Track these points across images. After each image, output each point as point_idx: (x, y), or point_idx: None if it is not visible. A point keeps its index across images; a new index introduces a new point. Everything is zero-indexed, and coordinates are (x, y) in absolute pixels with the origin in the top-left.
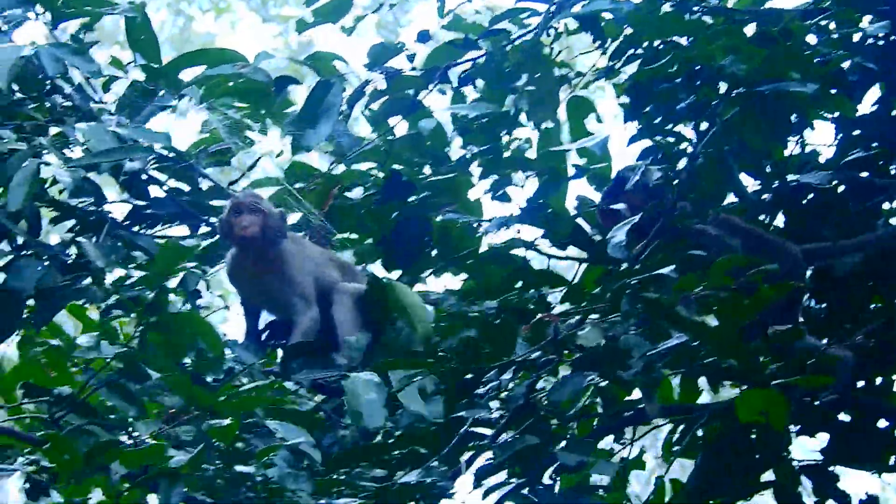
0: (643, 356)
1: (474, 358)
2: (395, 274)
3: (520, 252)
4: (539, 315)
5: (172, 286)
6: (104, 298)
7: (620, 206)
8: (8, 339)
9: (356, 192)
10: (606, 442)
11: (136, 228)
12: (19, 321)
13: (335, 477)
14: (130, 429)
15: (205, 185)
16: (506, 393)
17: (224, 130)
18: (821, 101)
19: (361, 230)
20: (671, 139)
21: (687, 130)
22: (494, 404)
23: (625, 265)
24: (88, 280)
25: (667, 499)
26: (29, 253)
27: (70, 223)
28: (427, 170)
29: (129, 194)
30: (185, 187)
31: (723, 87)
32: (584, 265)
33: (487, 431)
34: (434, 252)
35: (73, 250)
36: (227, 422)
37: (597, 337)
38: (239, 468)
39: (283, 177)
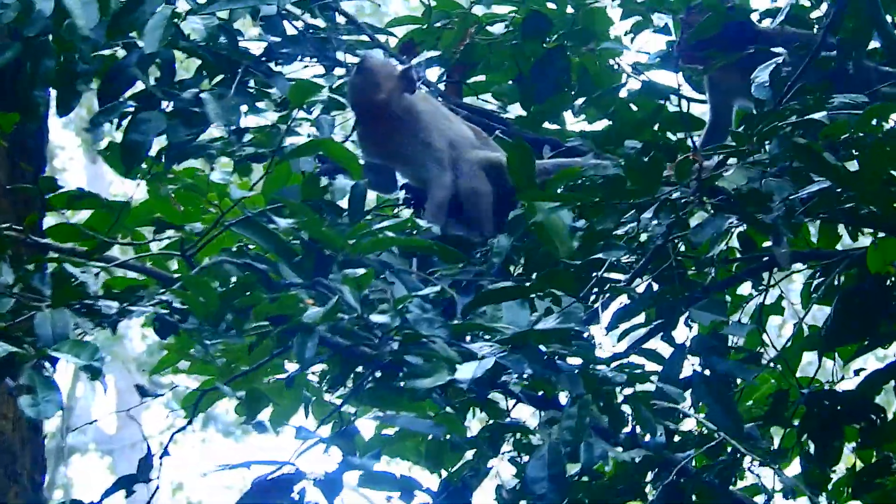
0: (785, 200)
1: (618, 193)
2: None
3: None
4: (684, 154)
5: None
6: (229, 153)
7: None
8: (134, 173)
9: (495, 29)
10: (745, 287)
11: (271, 65)
12: (142, 160)
13: (470, 320)
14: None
15: (341, 21)
16: (645, 234)
17: None
18: None
19: (499, 69)
20: None
21: None
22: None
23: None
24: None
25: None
26: (155, 103)
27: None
28: (569, 9)
29: (265, 31)
30: (322, 24)
31: None
32: None
33: (623, 277)
34: (573, 91)
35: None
36: (361, 271)
37: (741, 179)
38: (374, 317)
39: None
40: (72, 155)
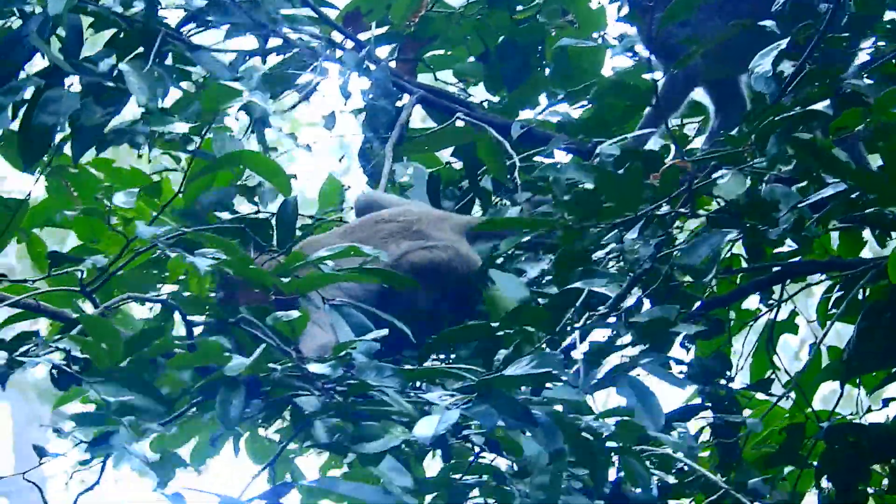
0: (793, 208)
1: (593, 214)
2: None
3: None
4: (670, 161)
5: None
6: (149, 139)
7: None
8: (35, 167)
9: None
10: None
11: (193, 38)
12: (46, 151)
13: (428, 366)
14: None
15: None
16: (629, 256)
17: None
18: None
19: (460, 44)
20: None
21: None
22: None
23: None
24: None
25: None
26: (65, 80)
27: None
28: None
29: None
30: None
31: None
32: None
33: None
34: (546, 71)
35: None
36: (295, 314)
37: (738, 186)
38: (313, 367)
39: None
40: None
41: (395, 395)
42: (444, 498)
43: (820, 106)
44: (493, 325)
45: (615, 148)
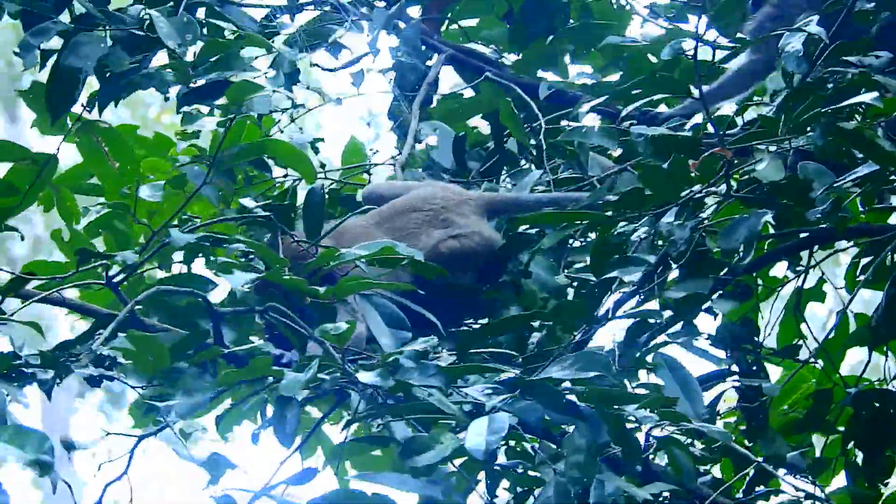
0: (829, 188)
1: (636, 204)
2: None
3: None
4: (709, 149)
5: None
6: (177, 83)
7: None
8: (63, 116)
9: None
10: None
11: None
12: (74, 102)
13: (468, 362)
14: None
15: None
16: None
17: None
18: None
19: (485, 3)
20: None
21: None
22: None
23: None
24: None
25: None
26: (93, 26)
27: None
28: None
29: None
30: None
31: None
32: None
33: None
34: (572, 34)
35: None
36: (344, 326)
37: (777, 172)
38: (363, 377)
39: None
40: None
41: (440, 397)
42: (473, 465)
43: (867, 98)
44: (530, 317)
45: (646, 128)
